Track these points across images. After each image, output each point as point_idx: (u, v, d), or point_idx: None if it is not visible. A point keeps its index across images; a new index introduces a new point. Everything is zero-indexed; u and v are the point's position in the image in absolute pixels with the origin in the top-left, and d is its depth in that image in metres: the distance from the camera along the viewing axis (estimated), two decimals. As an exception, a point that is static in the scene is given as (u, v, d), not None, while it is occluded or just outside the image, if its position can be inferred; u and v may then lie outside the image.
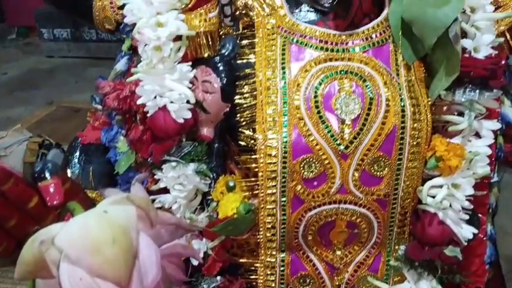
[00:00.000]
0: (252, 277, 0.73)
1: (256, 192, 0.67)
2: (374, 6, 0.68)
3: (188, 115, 0.65)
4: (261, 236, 0.70)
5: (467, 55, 0.64)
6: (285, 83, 0.66)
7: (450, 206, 0.67)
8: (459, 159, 0.64)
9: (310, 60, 0.67)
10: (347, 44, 0.67)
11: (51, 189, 0.47)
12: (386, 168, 0.66)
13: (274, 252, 0.71)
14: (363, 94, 0.65)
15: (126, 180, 0.74)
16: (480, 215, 0.74)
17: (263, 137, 0.65)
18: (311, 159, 0.65)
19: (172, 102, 0.64)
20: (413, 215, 0.71)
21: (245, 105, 0.67)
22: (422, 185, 0.68)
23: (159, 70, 0.64)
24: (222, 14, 0.68)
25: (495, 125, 0.68)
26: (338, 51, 0.67)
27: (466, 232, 0.68)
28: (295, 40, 0.67)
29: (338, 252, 0.72)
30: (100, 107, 0.80)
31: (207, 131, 0.69)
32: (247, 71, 0.68)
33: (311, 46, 0.67)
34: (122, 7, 0.68)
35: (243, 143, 0.67)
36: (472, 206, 0.67)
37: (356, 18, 0.68)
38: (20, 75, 4.61)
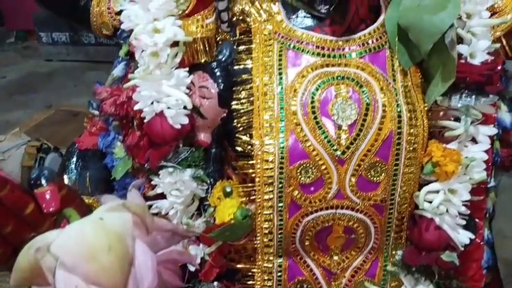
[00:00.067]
0: (249, 282, 0.73)
1: (253, 197, 0.67)
2: (370, 12, 0.69)
3: (185, 121, 0.65)
4: (258, 242, 0.70)
5: (463, 61, 0.65)
6: (282, 88, 0.66)
7: (447, 211, 0.67)
8: (455, 164, 0.65)
9: (307, 66, 0.67)
10: (343, 49, 0.67)
11: (48, 196, 0.47)
12: (383, 174, 0.66)
13: (271, 258, 0.71)
14: (359, 100, 0.65)
15: (123, 186, 0.75)
16: (477, 220, 0.74)
17: (260, 142, 0.65)
18: (308, 165, 0.65)
19: (169, 108, 0.64)
20: (410, 220, 0.71)
21: (242, 111, 0.68)
22: (419, 190, 0.68)
23: (156, 76, 0.64)
24: (219, 20, 0.68)
25: (491, 130, 0.68)
26: (334, 57, 0.67)
27: (463, 237, 0.68)
28: (292, 46, 0.68)
29: (335, 258, 0.72)
30: (97, 112, 0.80)
31: (204, 137, 0.69)
32: (244, 76, 0.68)
33: (308, 52, 0.67)
34: (119, 13, 0.68)
35: (240, 149, 0.68)
36: (468, 211, 0.67)
37: (353, 24, 0.68)
38: (19, 79, 4.61)
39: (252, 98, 0.67)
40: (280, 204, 0.67)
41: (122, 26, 0.66)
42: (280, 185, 0.66)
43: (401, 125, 0.65)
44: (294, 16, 0.69)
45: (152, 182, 0.68)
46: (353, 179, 0.66)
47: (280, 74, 0.67)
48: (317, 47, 0.67)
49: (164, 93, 0.64)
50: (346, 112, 0.65)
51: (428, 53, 0.64)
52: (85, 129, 0.82)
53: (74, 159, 0.80)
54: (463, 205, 0.67)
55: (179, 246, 0.52)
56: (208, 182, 0.70)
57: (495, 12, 0.69)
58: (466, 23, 0.65)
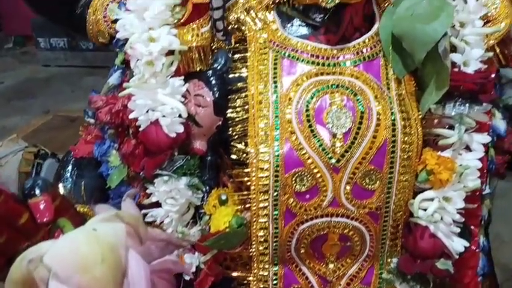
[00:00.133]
0: (244, 291, 0.73)
1: (249, 205, 0.67)
2: (364, 21, 0.69)
3: (181, 129, 0.65)
4: (254, 250, 0.70)
5: (456, 69, 0.65)
6: (276, 96, 0.66)
7: (441, 219, 0.67)
8: (450, 172, 0.65)
9: (301, 74, 0.67)
10: (338, 58, 0.68)
11: (42, 206, 0.47)
12: (378, 182, 0.66)
13: (267, 266, 0.71)
14: (354, 108, 0.66)
15: (118, 194, 0.74)
16: (472, 227, 0.75)
17: (255, 150, 0.65)
18: (303, 173, 0.65)
19: (164, 116, 0.64)
20: (405, 228, 0.71)
21: (237, 119, 0.68)
22: (414, 198, 0.68)
23: (151, 85, 0.64)
24: (214, 28, 0.68)
25: (485, 138, 0.68)
26: (329, 65, 0.67)
27: (457, 245, 0.68)
28: (287, 54, 0.68)
29: (331, 265, 0.72)
30: (92, 120, 0.80)
31: (199, 145, 0.70)
32: (240, 84, 0.68)
33: (303, 60, 0.67)
34: (115, 21, 0.68)
35: (235, 157, 0.68)
36: (463, 219, 0.68)
37: (347, 33, 0.68)
38: (17, 84, 4.60)
39: (247, 106, 0.67)
40: (276, 212, 0.67)
41: (118, 35, 0.66)
42: (275, 193, 0.66)
43: (396, 133, 0.66)
44: (289, 25, 0.69)
45: (148, 191, 0.68)
46: (348, 187, 0.66)
47: (275, 82, 0.67)
48: (312, 55, 0.67)
49: (160, 101, 0.64)
50: (341, 120, 0.65)
51: (421, 61, 0.64)
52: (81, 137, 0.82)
53: (70, 167, 0.80)
54: (458, 213, 0.67)
55: (173, 256, 0.52)
56: (204, 189, 0.70)
57: (488, 20, 0.70)
58: (460, 31, 0.66)
